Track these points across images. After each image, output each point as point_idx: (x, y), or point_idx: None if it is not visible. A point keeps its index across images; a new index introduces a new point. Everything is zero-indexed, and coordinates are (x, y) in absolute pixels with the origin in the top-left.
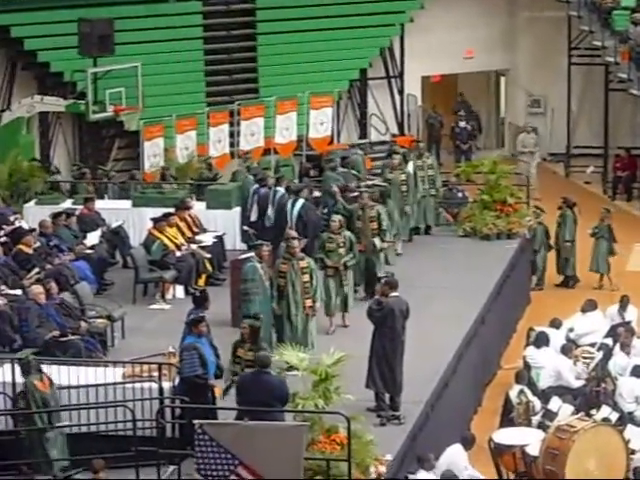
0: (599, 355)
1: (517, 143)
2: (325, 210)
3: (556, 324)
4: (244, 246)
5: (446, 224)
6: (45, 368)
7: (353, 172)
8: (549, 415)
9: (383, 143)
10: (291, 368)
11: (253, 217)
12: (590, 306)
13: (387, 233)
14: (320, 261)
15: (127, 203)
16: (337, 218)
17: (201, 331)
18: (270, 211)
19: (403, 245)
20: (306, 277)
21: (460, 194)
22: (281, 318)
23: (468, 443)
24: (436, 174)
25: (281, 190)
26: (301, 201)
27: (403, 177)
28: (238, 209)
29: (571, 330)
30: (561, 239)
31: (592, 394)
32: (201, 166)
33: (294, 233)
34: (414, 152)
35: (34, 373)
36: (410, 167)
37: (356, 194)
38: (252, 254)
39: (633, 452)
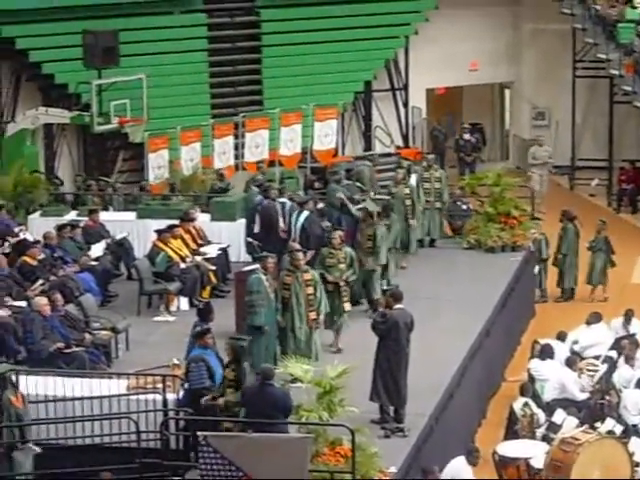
0: (603, 368)
1: (528, 155)
2: (329, 223)
3: (562, 337)
4: (248, 258)
5: (446, 237)
6: (49, 380)
7: (357, 184)
8: (553, 428)
9: (388, 155)
10: (295, 380)
11: (256, 229)
12: (595, 318)
13: (380, 255)
14: (320, 276)
15: (132, 215)
16: (338, 234)
17: (207, 343)
18: (282, 223)
19: (408, 258)
20: (310, 289)
21: (465, 206)
22: (285, 330)
23: (473, 457)
24: (443, 187)
25: (288, 202)
26: (305, 213)
27: (407, 191)
28: (243, 221)
29: (575, 342)
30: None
31: (596, 407)
32: (212, 177)
33: (297, 245)
34: (421, 164)
35: (9, 388)
36: (413, 180)
37: (360, 206)
38: (257, 266)
39: (638, 464)
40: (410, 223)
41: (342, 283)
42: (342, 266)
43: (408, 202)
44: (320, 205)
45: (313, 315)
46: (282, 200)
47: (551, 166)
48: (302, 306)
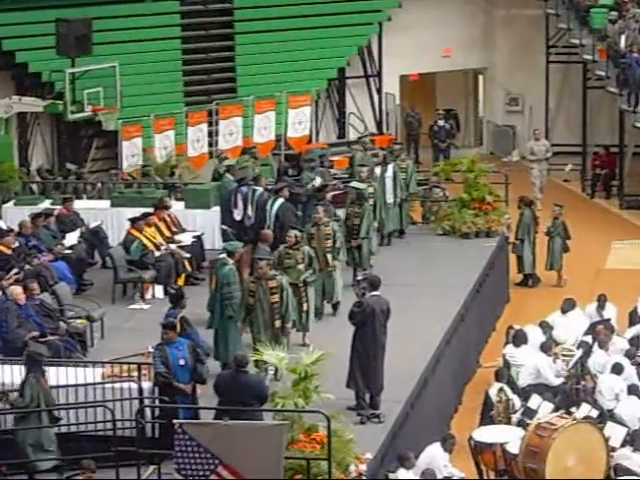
0: (578, 353)
1: (526, 150)
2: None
3: (544, 325)
4: (214, 244)
5: (414, 223)
6: (24, 369)
7: (332, 171)
8: (529, 413)
9: (355, 142)
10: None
11: (238, 216)
12: (569, 305)
13: (341, 251)
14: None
15: (106, 203)
16: (293, 233)
17: (165, 338)
18: (250, 210)
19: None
20: (275, 297)
21: (441, 192)
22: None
23: (448, 444)
24: (409, 178)
25: (260, 189)
26: (280, 201)
27: (371, 190)
28: (217, 209)
29: (551, 328)
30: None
31: (572, 392)
32: (214, 162)
33: (270, 233)
34: (391, 153)
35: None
36: (390, 171)
37: (335, 193)
38: (224, 255)
39: (613, 449)
40: (373, 225)
41: (301, 284)
42: (300, 266)
43: (371, 202)
44: (298, 190)
45: (278, 323)
46: (256, 188)
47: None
48: (266, 314)
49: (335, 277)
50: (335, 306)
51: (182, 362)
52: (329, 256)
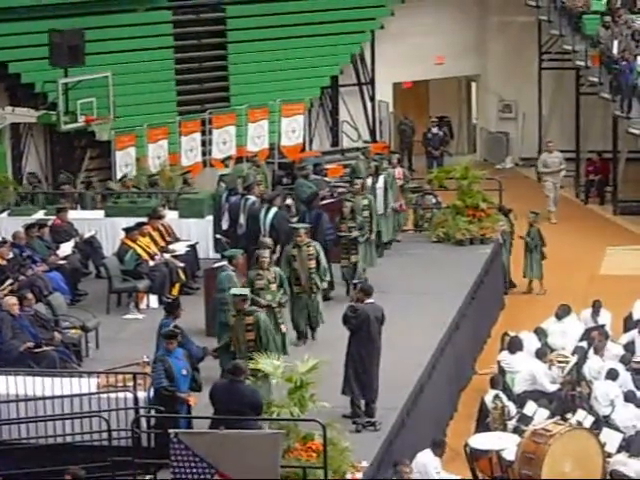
0: (574, 359)
1: (538, 163)
2: (297, 219)
3: (539, 332)
4: (217, 255)
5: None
6: (19, 379)
7: (325, 179)
8: (525, 419)
9: (356, 150)
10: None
11: (225, 225)
12: (564, 312)
13: (326, 272)
14: (251, 301)
15: (100, 213)
16: (266, 253)
17: (169, 348)
18: (242, 219)
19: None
20: (251, 335)
21: (434, 200)
22: None
23: (438, 448)
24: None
25: (252, 198)
26: (274, 210)
27: (365, 202)
28: (211, 218)
29: (546, 335)
30: None
31: (567, 398)
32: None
33: (269, 241)
34: (389, 162)
35: None
36: (381, 182)
37: (327, 202)
38: (225, 263)
39: (609, 455)
40: (367, 236)
41: (275, 305)
42: (273, 286)
43: (366, 214)
44: (289, 201)
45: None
46: (248, 197)
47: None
48: (242, 353)
49: (318, 300)
50: (314, 328)
51: (184, 372)
52: (315, 277)
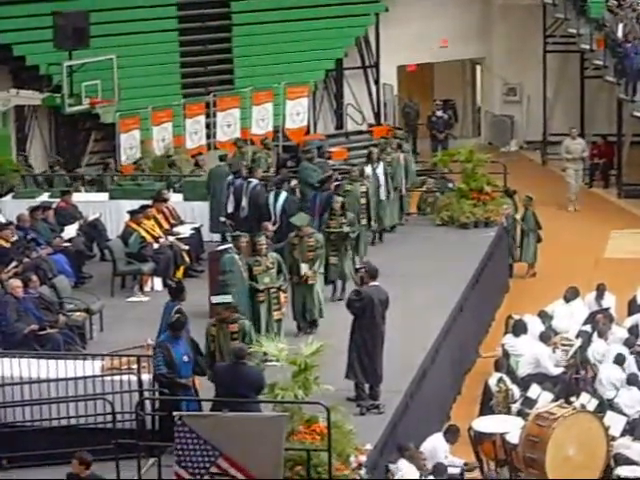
0: (578, 342)
1: (561, 149)
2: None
3: (543, 315)
4: (217, 236)
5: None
6: (24, 362)
7: (329, 162)
8: (528, 403)
9: (360, 133)
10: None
11: (230, 208)
12: (573, 294)
13: (318, 261)
14: (249, 287)
15: (104, 196)
16: (263, 239)
17: (176, 335)
18: (244, 202)
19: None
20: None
21: (450, 184)
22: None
23: (452, 436)
24: (402, 170)
25: (254, 181)
26: (284, 194)
27: (363, 189)
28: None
29: (551, 317)
30: None
31: (571, 381)
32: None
33: (270, 226)
34: (391, 144)
35: None
36: (381, 167)
37: (337, 184)
38: (230, 245)
39: (613, 439)
40: (363, 223)
41: (273, 290)
42: (272, 272)
43: (363, 201)
44: (294, 183)
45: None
46: (250, 180)
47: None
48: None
49: (316, 291)
50: (314, 323)
51: (186, 358)
52: (303, 266)
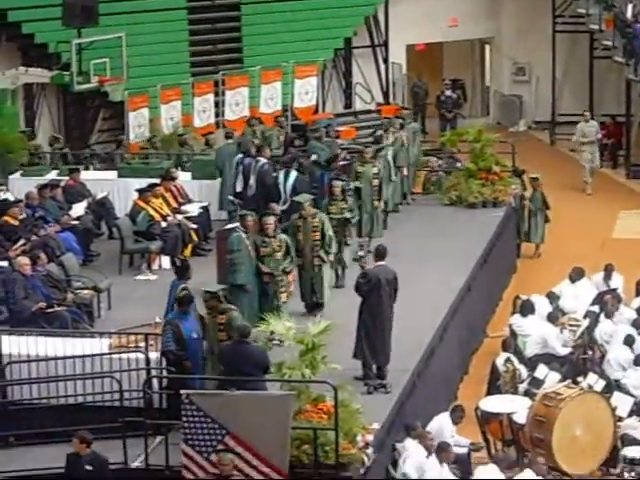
0: (585, 322)
1: (576, 132)
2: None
3: (551, 296)
4: (224, 215)
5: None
6: (31, 340)
7: (337, 141)
8: (536, 383)
9: (368, 112)
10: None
11: (239, 187)
12: (578, 274)
13: (332, 241)
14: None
15: (112, 174)
16: (271, 220)
17: (182, 311)
18: (252, 180)
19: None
20: (223, 335)
21: (459, 164)
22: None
23: (457, 415)
24: (405, 147)
25: (262, 160)
26: (294, 174)
27: (375, 170)
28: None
29: (558, 298)
30: None
31: (579, 361)
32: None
33: (277, 207)
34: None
35: None
36: (389, 154)
37: (345, 163)
38: (237, 224)
39: (620, 419)
40: (376, 205)
41: (278, 273)
42: (278, 255)
43: (375, 182)
44: (314, 157)
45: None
46: (259, 158)
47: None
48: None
49: (322, 274)
50: (318, 305)
51: (195, 335)
52: (321, 252)
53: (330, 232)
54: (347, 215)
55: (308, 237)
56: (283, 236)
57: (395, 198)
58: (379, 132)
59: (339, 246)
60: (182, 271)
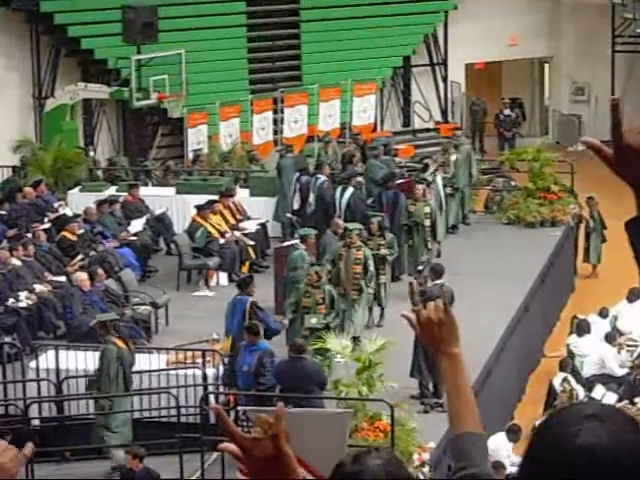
0: None
1: None
2: (371, 199)
3: (604, 313)
4: (279, 232)
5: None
6: (89, 355)
7: (395, 159)
8: None
9: (427, 130)
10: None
11: (296, 205)
12: (636, 295)
13: (372, 278)
14: (294, 321)
15: (171, 190)
16: (315, 269)
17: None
18: (311, 198)
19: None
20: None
21: (513, 183)
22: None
23: (514, 435)
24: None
25: (322, 177)
26: (350, 189)
27: (427, 210)
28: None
29: (616, 318)
30: None
31: (636, 382)
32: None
33: (341, 221)
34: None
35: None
36: (439, 180)
37: (400, 182)
38: (297, 241)
39: None
40: (429, 248)
41: (320, 326)
42: (321, 308)
43: (427, 223)
44: (359, 179)
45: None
46: (318, 176)
47: None
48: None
49: (358, 309)
50: (354, 339)
51: (245, 368)
52: (362, 282)
53: (372, 268)
54: (384, 252)
55: (349, 267)
56: (328, 287)
57: (451, 220)
58: (426, 161)
59: (377, 284)
60: (245, 285)
